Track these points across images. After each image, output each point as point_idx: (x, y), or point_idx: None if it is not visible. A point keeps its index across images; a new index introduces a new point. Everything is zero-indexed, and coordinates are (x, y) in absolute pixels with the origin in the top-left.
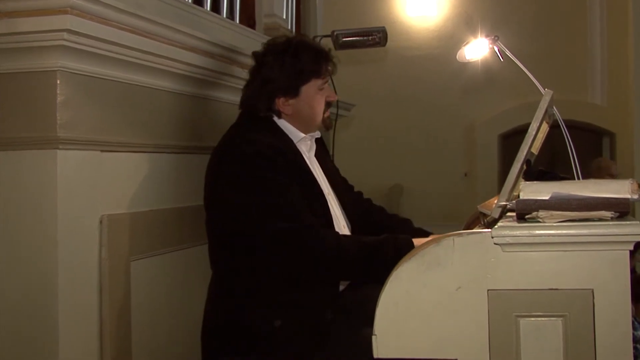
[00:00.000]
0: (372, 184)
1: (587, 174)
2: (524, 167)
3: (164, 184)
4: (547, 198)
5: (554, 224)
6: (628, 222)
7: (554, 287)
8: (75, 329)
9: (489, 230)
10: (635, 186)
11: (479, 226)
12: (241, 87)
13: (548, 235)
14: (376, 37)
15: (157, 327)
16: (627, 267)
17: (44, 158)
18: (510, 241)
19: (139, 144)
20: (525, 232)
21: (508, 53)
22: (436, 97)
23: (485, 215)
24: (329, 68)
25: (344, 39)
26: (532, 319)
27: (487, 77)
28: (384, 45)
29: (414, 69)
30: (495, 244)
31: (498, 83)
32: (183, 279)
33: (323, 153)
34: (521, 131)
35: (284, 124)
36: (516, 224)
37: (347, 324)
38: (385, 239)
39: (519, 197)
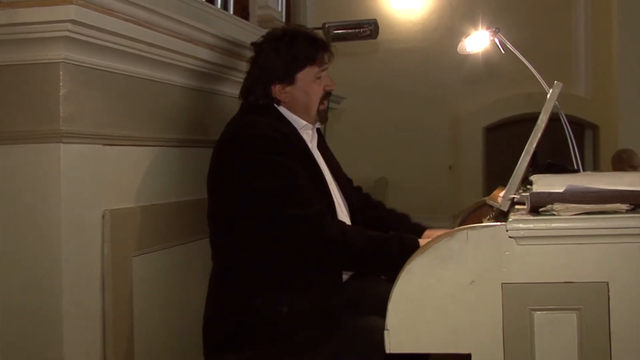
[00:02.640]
0: (357, 177)
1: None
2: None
3: (166, 177)
4: (561, 191)
5: (570, 217)
6: None
7: (568, 280)
8: (78, 326)
9: (503, 223)
10: None
11: (488, 219)
12: (242, 80)
13: (565, 228)
14: (367, 29)
15: (159, 323)
16: None
17: (47, 152)
18: (526, 234)
19: (141, 137)
20: (543, 225)
21: (509, 46)
22: (421, 90)
23: (492, 208)
24: (326, 57)
25: (335, 32)
26: (547, 312)
27: (472, 71)
28: (375, 37)
29: (400, 62)
30: (509, 237)
31: (483, 76)
32: (184, 274)
33: (324, 145)
34: (505, 124)
35: (285, 112)
36: (531, 217)
37: (353, 315)
38: (392, 236)
39: (529, 189)
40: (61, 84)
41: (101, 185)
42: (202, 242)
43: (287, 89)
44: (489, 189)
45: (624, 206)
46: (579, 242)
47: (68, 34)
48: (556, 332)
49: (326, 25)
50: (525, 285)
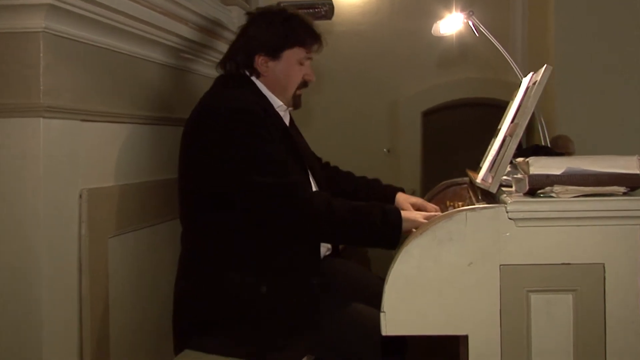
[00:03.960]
0: None
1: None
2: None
3: (140, 156)
4: (559, 173)
5: (570, 199)
6: None
7: (566, 262)
8: (55, 308)
9: (503, 204)
10: None
11: (467, 202)
12: (217, 60)
13: (565, 210)
14: (322, 10)
15: (134, 305)
16: (638, 242)
17: (27, 127)
18: (526, 216)
19: (118, 113)
20: (544, 206)
21: (483, 29)
22: (360, 73)
23: (470, 190)
24: (315, 46)
25: None
26: (543, 294)
27: (412, 54)
28: (330, 18)
29: (339, 45)
30: (509, 218)
31: (422, 60)
32: (159, 254)
33: (294, 126)
34: (444, 108)
35: (263, 88)
36: (532, 199)
37: (331, 297)
38: (373, 205)
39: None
40: (42, 54)
41: (78, 163)
42: (175, 222)
43: (270, 63)
44: (426, 173)
45: (622, 189)
46: (578, 224)
47: (50, 1)
48: (552, 313)
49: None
50: (523, 267)
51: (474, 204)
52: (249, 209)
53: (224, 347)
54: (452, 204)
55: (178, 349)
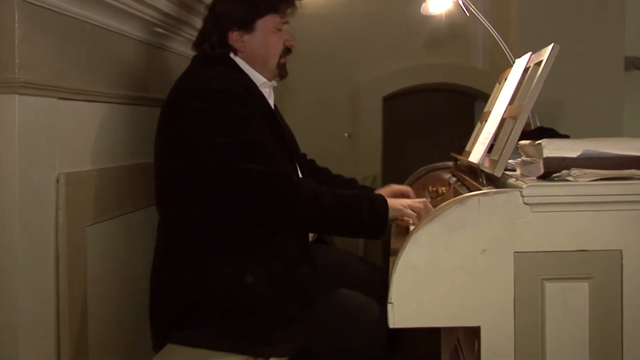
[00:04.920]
0: None
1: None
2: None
3: (118, 138)
4: (575, 156)
5: (588, 183)
6: None
7: (582, 249)
8: (32, 301)
9: (519, 188)
10: None
11: (452, 187)
12: (194, 37)
13: (583, 194)
14: None
15: (114, 297)
16: None
17: (1, 104)
18: (543, 201)
19: (95, 92)
20: (562, 190)
21: (473, 9)
22: (321, 58)
23: (463, 173)
24: (289, 10)
25: None
26: (559, 282)
27: (373, 38)
28: None
29: (300, 29)
30: (524, 203)
31: (383, 44)
32: (138, 243)
33: (276, 107)
34: (405, 94)
35: (243, 65)
36: (548, 183)
37: (325, 285)
38: (359, 194)
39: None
40: (17, 25)
41: (55, 145)
42: (153, 209)
43: (245, 37)
44: (387, 158)
45: None
46: (595, 209)
47: None
48: (567, 302)
49: None
50: (538, 254)
51: (462, 190)
52: (234, 198)
53: (209, 340)
54: (434, 189)
55: (158, 343)
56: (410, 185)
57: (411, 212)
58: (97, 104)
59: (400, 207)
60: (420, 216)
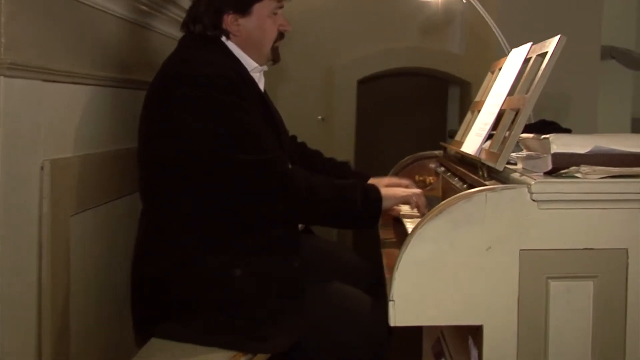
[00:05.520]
0: None
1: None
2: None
3: (103, 122)
4: (583, 152)
5: (598, 180)
6: None
7: (588, 247)
8: (13, 295)
9: (527, 184)
10: None
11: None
12: (180, 18)
13: (594, 192)
14: None
15: (97, 290)
16: None
17: None
18: (552, 198)
19: (80, 73)
20: (572, 187)
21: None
22: (296, 40)
23: (453, 164)
24: None
25: None
26: (563, 281)
27: (349, 20)
28: None
29: None
30: (532, 200)
31: (359, 27)
32: (122, 232)
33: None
34: (379, 77)
35: (235, 50)
36: (557, 180)
37: (314, 278)
38: (354, 183)
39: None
40: (3, 1)
41: (40, 130)
42: (136, 196)
43: (241, 21)
44: (360, 141)
45: None
46: (603, 207)
47: None
48: (572, 301)
49: None
50: (544, 252)
51: (452, 180)
52: (225, 188)
53: (195, 334)
54: (422, 178)
55: (140, 337)
56: (396, 174)
57: (407, 201)
58: (81, 87)
59: (394, 195)
60: (420, 209)
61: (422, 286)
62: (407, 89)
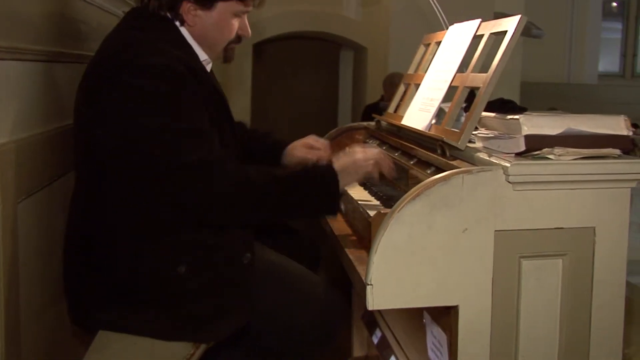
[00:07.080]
0: None
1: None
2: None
3: (41, 100)
4: (555, 134)
5: (571, 162)
6: (638, 160)
7: (559, 226)
8: None
9: (503, 165)
10: (629, 123)
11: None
12: None
13: (567, 174)
14: None
15: (46, 280)
16: (628, 205)
17: None
18: (527, 179)
19: (24, 49)
20: (547, 169)
21: None
22: None
23: (402, 137)
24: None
25: None
26: (535, 259)
27: None
28: None
29: None
30: (508, 182)
31: None
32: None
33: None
34: (275, 40)
35: (187, 36)
36: (532, 162)
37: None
38: (304, 173)
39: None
40: None
41: None
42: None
43: (200, 12)
44: (255, 106)
45: (617, 151)
46: (574, 187)
47: None
48: (541, 279)
49: None
50: (517, 232)
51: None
52: (164, 187)
53: (145, 326)
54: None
55: (86, 328)
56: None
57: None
58: (16, 62)
59: (354, 171)
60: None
61: (400, 269)
62: (301, 52)
